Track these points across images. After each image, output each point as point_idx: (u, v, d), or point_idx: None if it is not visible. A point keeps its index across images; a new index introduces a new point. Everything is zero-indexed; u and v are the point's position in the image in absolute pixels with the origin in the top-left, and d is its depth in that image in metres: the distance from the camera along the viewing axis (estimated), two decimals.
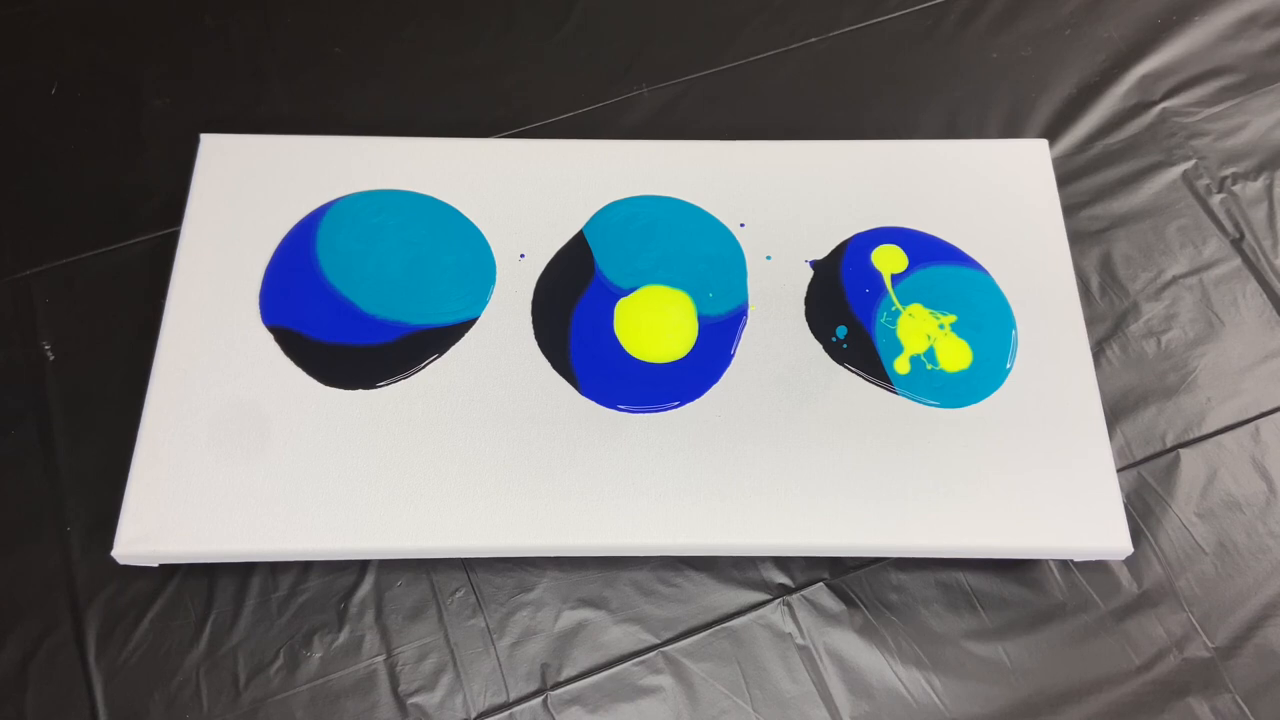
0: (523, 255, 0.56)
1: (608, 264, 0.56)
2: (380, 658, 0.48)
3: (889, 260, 0.57)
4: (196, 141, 0.58)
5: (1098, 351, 0.57)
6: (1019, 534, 0.49)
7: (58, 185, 0.61)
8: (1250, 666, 0.50)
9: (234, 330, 0.53)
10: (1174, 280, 0.60)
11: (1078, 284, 0.56)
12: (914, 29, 0.68)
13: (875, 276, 0.56)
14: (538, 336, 0.54)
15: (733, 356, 0.53)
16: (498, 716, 0.48)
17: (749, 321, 0.54)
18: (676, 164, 0.58)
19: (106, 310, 0.56)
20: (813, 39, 0.67)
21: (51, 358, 0.55)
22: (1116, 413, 0.56)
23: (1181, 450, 0.55)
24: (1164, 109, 0.65)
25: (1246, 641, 0.50)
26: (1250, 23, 0.68)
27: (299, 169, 0.57)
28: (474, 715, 0.47)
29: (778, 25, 0.67)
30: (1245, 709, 0.49)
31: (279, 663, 0.48)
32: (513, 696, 0.48)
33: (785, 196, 0.58)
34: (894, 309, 0.55)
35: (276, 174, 0.57)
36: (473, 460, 0.50)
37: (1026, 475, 0.50)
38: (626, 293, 0.55)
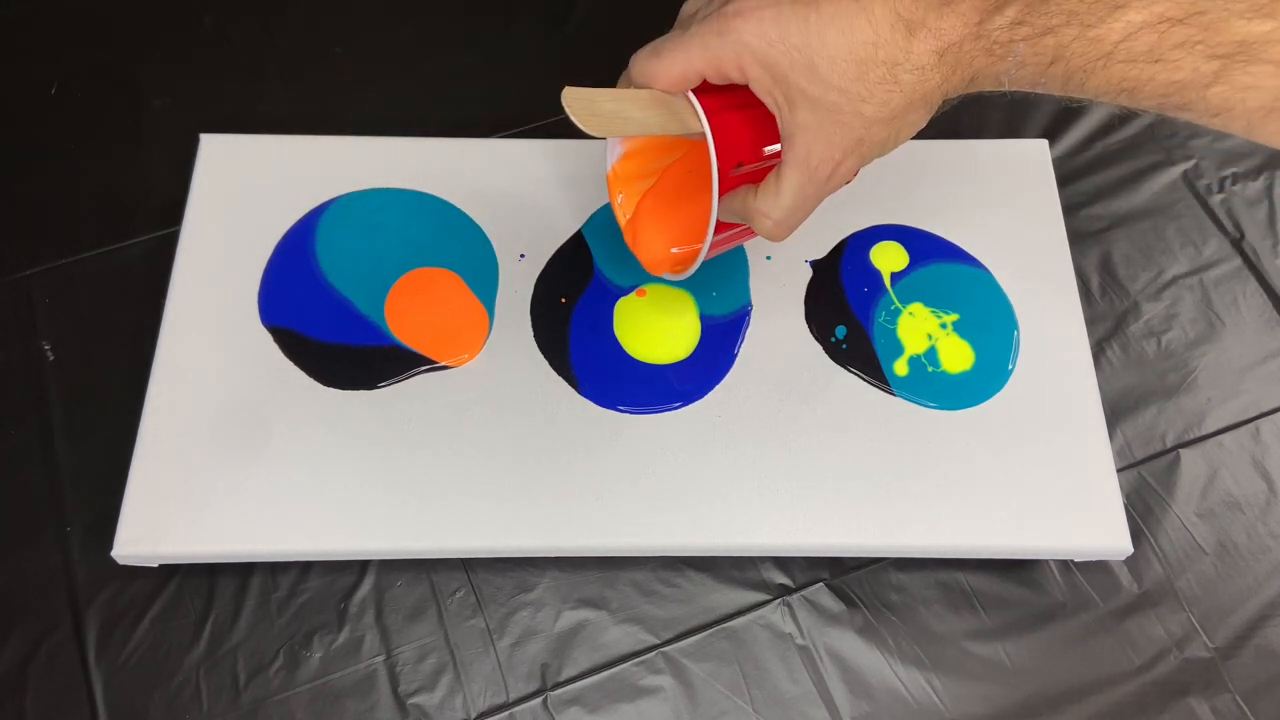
0: (522, 255, 0.56)
1: (607, 263, 0.56)
2: (380, 658, 0.48)
3: (888, 258, 0.56)
4: (196, 141, 0.58)
5: (1098, 351, 0.57)
6: (1019, 534, 0.49)
7: (58, 185, 0.61)
8: (1250, 666, 0.50)
9: (233, 330, 0.53)
10: (1174, 280, 0.60)
11: (1078, 284, 0.56)
12: None
13: (874, 275, 0.56)
14: (537, 336, 0.54)
15: (736, 357, 0.53)
16: (498, 716, 0.47)
17: (749, 322, 0.54)
18: None
19: (106, 310, 0.56)
20: None
21: (51, 358, 0.55)
22: (1116, 413, 0.55)
23: (1181, 450, 0.55)
24: None
25: (1246, 641, 0.50)
26: None
27: (299, 169, 0.57)
28: (474, 715, 0.47)
29: None
30: (1245, 709, 0.49)
31: (279, 663, 0.48)
32: (513, 696, 0.48)
33: None
34: (893, 308, 0.55)
35: (276, 174, 0.57)
36: (472, 460, 0.50)
37: (1026, 475, 0.50)
38: (626, 292, 0.55)
